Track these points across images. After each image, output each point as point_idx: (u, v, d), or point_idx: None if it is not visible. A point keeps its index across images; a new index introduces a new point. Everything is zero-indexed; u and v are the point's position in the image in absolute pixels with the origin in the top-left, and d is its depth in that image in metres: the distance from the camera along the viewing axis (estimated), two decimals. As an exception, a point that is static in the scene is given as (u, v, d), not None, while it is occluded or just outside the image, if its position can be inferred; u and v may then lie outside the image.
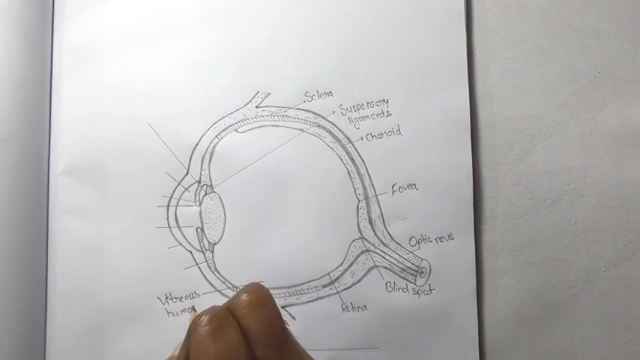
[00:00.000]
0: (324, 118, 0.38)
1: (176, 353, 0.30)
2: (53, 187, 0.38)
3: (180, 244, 0.38)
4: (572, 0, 0.38)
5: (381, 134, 0.37)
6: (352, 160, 0.37)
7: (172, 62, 0.39)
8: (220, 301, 0.37)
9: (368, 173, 0.37)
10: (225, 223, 0.38)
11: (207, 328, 0.27)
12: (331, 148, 0.38)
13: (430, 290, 0.37)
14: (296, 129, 0.38)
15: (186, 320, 0.37)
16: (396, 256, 0.37)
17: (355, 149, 0.38)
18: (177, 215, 0.38)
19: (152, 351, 0.37)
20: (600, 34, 0.38)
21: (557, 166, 0.37)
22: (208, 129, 0.38)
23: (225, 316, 0.27)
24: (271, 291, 0.34)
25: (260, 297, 0.28)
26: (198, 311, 0.28)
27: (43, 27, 0.39)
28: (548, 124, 0.38)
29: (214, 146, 0.38)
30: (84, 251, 0.37)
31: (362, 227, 0.37)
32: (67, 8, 0.39)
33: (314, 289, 0.37)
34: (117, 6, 0.39)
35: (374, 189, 0.37)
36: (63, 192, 0.38)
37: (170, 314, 0.37)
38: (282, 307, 0.37)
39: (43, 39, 0.39)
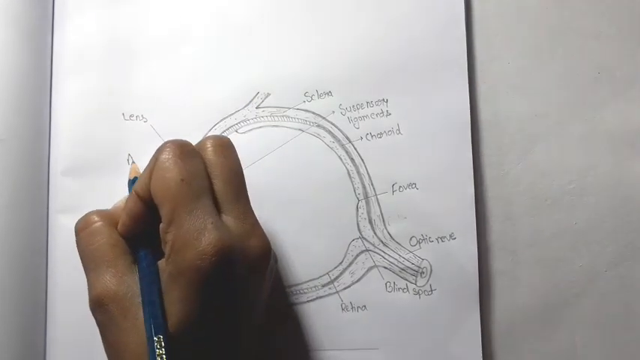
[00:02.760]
0: (324, 118, 0.38)
1: (119, 202, 0.32)
2: (53, 187, 0.38)
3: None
4: (572, 0, 0.38)
5: (381, 134, 0.38)
6: (352, 159, 0.37)
7: (173, 63, 0.39)
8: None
9: (368, 173, 0.37)
10: (225, 223, 0.38)
11: (174, 150, 0.28)
12: (331, 147, 0.38)
13: (431, 290, 0.36)
14: (296, 129, 0.38)
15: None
16: (396, 256, 0.37)
17: (355, 149, 0.38)
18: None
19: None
20: (600, 34, 0.38)
21: (557, 166, 0.37)
22: (209, 130, 0.38)
23: (191, 147, 0.29)
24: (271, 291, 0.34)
25: (226, 142, 0.31)
26: None
27: (43, 27, 0.39)
28: (548, 124, 0.38)
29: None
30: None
31: (361, 227, 0.37)
32: (67, 8, 0.39)
33: (313, 289, 0.37)
34: (117, 6, 0.39)
35: (374, 188, 0.37)
36: (63, 192, 0.38)
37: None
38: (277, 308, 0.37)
39: (43, 39, 0.39)
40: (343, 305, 0.37)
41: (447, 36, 0.38)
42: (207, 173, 0.29)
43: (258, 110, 0.38)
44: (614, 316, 0.37)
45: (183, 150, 0.29)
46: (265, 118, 0.38)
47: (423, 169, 0.37)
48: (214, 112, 0.38)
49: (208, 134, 0.38)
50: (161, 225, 0.28)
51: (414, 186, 0.37)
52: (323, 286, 0.37)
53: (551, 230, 0.37)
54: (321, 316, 0.37)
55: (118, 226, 0.30)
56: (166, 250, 0.27)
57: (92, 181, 0.38)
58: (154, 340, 0.25)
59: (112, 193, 0.38)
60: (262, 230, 0.30)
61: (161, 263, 0.28)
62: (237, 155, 0.31)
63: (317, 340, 0.36)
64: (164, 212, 0.27)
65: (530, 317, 0.37)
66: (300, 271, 0.37)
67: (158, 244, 0.29)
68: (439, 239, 0.37)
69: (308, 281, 0.37)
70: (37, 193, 0.37)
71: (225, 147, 0.30)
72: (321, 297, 0.37)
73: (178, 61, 0.39)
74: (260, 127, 0.38)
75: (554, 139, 0.38)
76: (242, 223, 0.29)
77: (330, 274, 0.37)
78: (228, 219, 0.29)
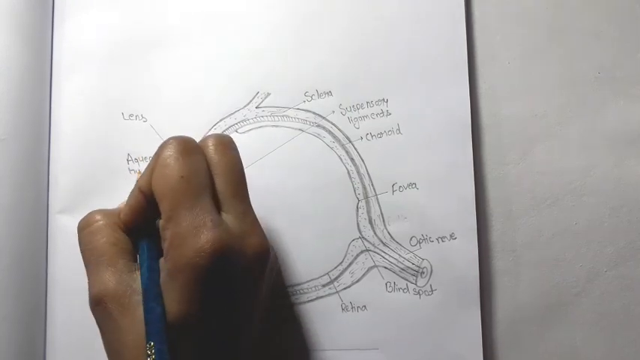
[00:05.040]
0: (324, 117, 0.38)
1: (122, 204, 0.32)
2: (53, 187, 0.38)
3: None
4: (572, 0, 0.38)
5: (381, 134, 0.37)
6: (352, 159, 0.37)
7: (173, 63, 0.39)
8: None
9: (368, 173, 0.37)
10: (225, 223, 0.38)
11: (177, 147, 0.29)
12: (331, 147, 0.38)
13: (432, 291, 0.36)
14: (296, 129, 0.38)
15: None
16: (396, 256, 0.37)
17: (355, 149, 0.38)
18: (177, 215, 0.38)
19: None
20: (600, 34, 0.38)
21: (557, 166, 0.37)
22: (209, 130, 0.38)
23: (194, 144, 0.30)
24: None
25: (227, 141, 0.31)
26: None
27: (43, 27, 0.39)
28: (548, 124, 0.38)
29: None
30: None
31: (361, 227, 0.37)
32: (67, 8, 0.39)
33: (313, 289, 0.37)
34: (117, 6, 0.39)
35: (374, 188, 0.37)
36: (63, 192, 0.38)
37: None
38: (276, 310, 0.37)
39: (43, 39, 0.39)
40: (343, 305, 0.37)
41: (447, 36, 0.38)
42: (208, 171, 0.29)
43: (258, 110, 0.38)
44: (614, 316, 0.37)
45: (185, 147, 0.29)
46: (265, 118, 0.38)
47: (423, 169, 0.37)
48: (214, 111, 0.38)
49: (208, 134, 0.38)
50: (160, 221, 0.28)
51: (414, 186, 0.37)
52: (323, 286, 0.37)
53: (551, 230, 0.37)
54: (321, 316, 0.37)
55: (121, 216, 0.30)
56: (165, 246, 0.27)
57: (92, 181, 0.38)
58: (151, 334, 0.26)
59: (112, 193, 0.38)
60: (261, 229, 0.30)
61: (161, 261, 0.28)
62: (238, 154, 0.31)
63: (317, 340, 0.36)
64: (163, 208, 0.28)
65: (530, 317, 0.37)
66: (300, 271, 0.37)
67: (159, 239, 0.29)
68: (439, 239, 0.37)
69: (308, 281, 0.37)
70: (37, 193, 0.37)
71: (227, 145, 0.31)
72: (321, 297, 0.37)
73: (178, 61, 0.39)
74: (260, 127, 0.38)
75: (554, 139, 0.38)
76: (241, 221, 0.29)
77: (330, 274, 0.37)
78: (228, 217, 0.29)
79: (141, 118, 0.38)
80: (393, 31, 0.38)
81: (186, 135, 0.30)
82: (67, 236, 0.38)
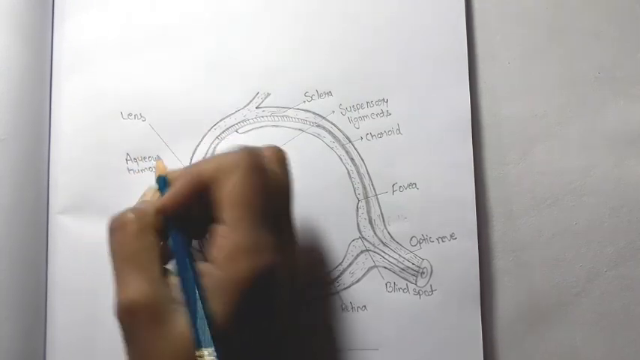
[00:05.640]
0: (324, 117, 0.38)
1: (149, 196, 0.31)
2: (53, 187, 0.38)
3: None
4: (572, 0, 0.38)
5: (381, 134, 0.37)
6: (352, 159, 0.37)
7: (173, 63, 0.39)
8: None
9: (368, 173, 0.37)
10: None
11: (257, 160, 0.29)
12: (331, 147, 0.38)
13: (432, 291, 0.36)
14: (296, 129, 0.38)
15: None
16: (396, 256, 0.37)
17: (355, 149, 0.38)
18: (177, 215, 0.38)
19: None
20: (600, 34, 0.38)
21: (557, 166, 0.37)
22: (209, 130, 0.38)
23: (265, 159, 0.30)
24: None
25: (285, 157, 0.31)
26: None
27: (43, 27, 0.39)
28: (548, 124, 0.38)
29: (215, 147, 0.38)
30: (84, 251, 0.37)
31: (361, 227, 0.37)
32: (67, 8, 0.39)
33: (313, 289, 0.37)
34: (117, 6, 0.39)
35: (374, 188, 0.37)
36: (63, 192, 0.38)
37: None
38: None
39: (43, 39, 0.39)
40: (343, 305, 0.37)
41: (447, 36, 0.38)
42: (276, 189, 0.29)
43: (258, 110, 0.38)
44: (614, 316, 0.37)
45: (261, 161, 0.29)
46: (265, 118, 0.38)
47: (423, 169, 0.37)
48: (214, 111, 0.38)
49: (207, 134, 0.38)
50: (218, 227, 0.27)
51: (414, 186, 0.37)
52: (323, 286, 0.37)
53: (551, 230, 0.37)
54: (321, 316, 0.37)
55: (159, 203, 0.29)
56: (217, 253, 0.27)
57: (92, 181, 0.38)
58: (204, 341, 0.25)
59: (112, 192, 0.38)
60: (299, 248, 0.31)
61: (205, 266, 0.27)
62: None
63: (317, 340, 0.36)
64: (230, 215, 0.27)
65: (530, 317, 0.37)
66: (301, 271, 0.37)
67: (189, 231, 0.29)
68: (439, 239, 0.37)
69: (308, 281, 0.37)
70: (37, 193, 0.37)
71: (286, 161, 0.31)
72: (321, 297, 0.37)
73: (178, 61, 0.39)
74: (260, 127, 0.38)
75: (554, 139, 0.38)
76: (291, 242, 0.30)
77: (330, 274, 0.37)
78: (282, 236, 0.29)
79: (140, 117, 0.38)
80: (393, 31, 0.38)
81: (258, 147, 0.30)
82: (67, 236, 0.38)
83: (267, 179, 0.29)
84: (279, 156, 0.31)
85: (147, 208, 0.29)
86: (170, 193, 0.29)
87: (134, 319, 0.26)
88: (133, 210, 0.28)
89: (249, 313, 0.27)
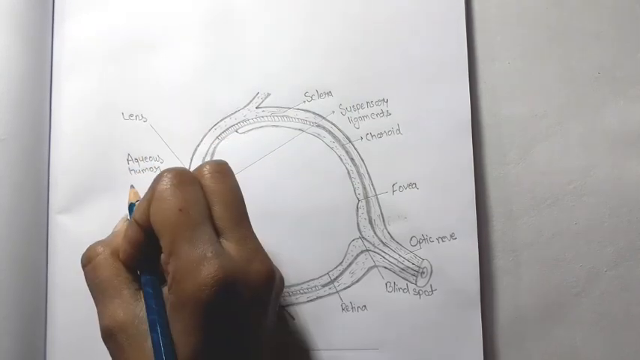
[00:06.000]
0: (324, 117, 0.38)
1: (119, 227, 0.32)
2: (53, 187, 0.38)
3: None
4: (571, 0, 0.38)
5: (381, 134, 0.37)
6: (352, 159, 0.37)
7: (173, 63, 0.39)
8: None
9: (368, 173, 0.37)
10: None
11: (172, 179, 0.29)
12: (331, 147, 0.38)
13: (432, 291, 0.36)
14: (296, 129, 0.38)
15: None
16: (396, 256, 0.37)
17: (355, 149, 0.38)
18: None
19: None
20: (600, 34, 0.38)
21: (557, 166, 0.37)
22: (209, 130, 0.38)
23: (189, 174, 0.29)
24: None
25: (223, 168, 0.31)
26: None
27: (43, 27, 0.39)
28: (548, 124, 0.38)
29: (215, 147, 0.38)
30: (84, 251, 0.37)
31: (362, 227, 0.37)
32: (67, 8, 0.39)
33: (313, 289, 0.37)
34: (117, 6, 0.39)
35: (374, 188, 0.37)
36: (63, 192, 0.38)
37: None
38: (282, 307, 0.37)
39: (43, 39, 0.39)
40: (343, 305, 0.37)
41: (448, 36, 0.38)
42: (205, 200, 0.29)
43: (258, 110, 0.38)
44: (614, 316, 0.37)
45: (181, 178, 0.29)
46: (265, 118, 0.38)
47: (423, 169, 0.37)
48: (214, 112, 0.38)
49: (208, 134, 0.38)
50: (162, 255, 0.28)
51: (414, 186, 0.37)
52: (323, 286, 0.37)
53: (551, 230, 0.37)
54: (321, 316, 0.37)
55: (120, 255, 0.30)
56: (168, 280, 0.27)
57: (92, 181, 0.38)
58: None
59: (112, 193, 0.38)
60: (265, 253, 0.30)
61: (165, 291, 0.28)
62: (235, 179, 0.31)
63: (317, 340, 0.36)
64: (164, 243, 0.27)
65: (530, 317, 0.37)
66: (300, 271, 0.37)
67: (161, 269, 0.29)
68: (439, 239, 0.37)
69: (308, 281, 0.37)
70: (37, 193, 0.37)
71: (223, 172, 0.30)
72: (321, 297, 0.37)
73: (178, 61, 0.39)
74: (260, 127, 0.38)
75: (554, 139, 0.38)
76: (243, 248, 0.29)
77: (330, 274, 0.37)
78: (230, 245, 0.28)
79: (141, 118, 0.38)
80: (393, 31, 0.38)
81: (180, 166, 0.30)
82: (67, 236, 0.38)
83: (193, 193, 0.28)
84: (215, 169, 0.30)
85: (113, 240, 0.30)
86: (123, 243, 0.30)
87: (114, 343, 0.28)
88: (101, 242, 0.30)
89: (211, 332, 0.26)
